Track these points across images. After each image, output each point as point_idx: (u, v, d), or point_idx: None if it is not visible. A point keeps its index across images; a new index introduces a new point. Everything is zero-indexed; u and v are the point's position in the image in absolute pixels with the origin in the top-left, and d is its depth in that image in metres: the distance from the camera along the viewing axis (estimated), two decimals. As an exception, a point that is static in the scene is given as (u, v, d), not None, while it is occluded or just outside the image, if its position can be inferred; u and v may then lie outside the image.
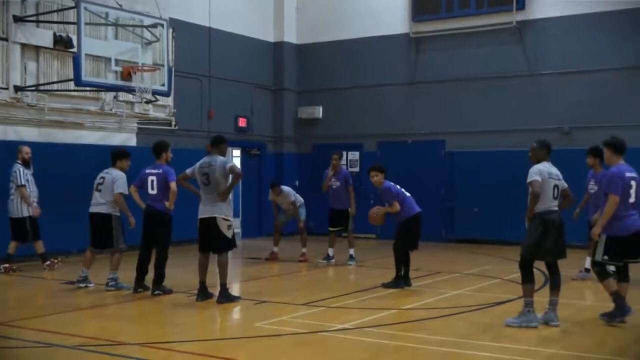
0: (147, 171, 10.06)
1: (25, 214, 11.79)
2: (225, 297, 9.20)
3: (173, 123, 15.71)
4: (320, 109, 19.03)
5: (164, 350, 6.73)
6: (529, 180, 7.74)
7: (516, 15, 16.36)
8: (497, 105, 16.60)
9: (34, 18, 13.00)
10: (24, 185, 11.68)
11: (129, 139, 14.97)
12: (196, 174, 9.31)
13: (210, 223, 9.18)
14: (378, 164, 11.49)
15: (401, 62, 18.04)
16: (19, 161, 11.80)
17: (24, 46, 12.90)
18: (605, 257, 7.81)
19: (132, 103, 14.78)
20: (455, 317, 8.28)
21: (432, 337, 7.22)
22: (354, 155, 18.53)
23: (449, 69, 17.21)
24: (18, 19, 12.69)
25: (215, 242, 9.24)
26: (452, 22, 17.26)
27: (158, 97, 13.93)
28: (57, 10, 13.09)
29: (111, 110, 14.49)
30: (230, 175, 9.22)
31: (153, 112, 15.29)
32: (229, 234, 9.25)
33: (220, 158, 9.30)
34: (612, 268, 8.17)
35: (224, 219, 9.21)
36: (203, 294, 9.33)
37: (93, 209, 10.34)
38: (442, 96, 17.31)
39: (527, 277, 7.79)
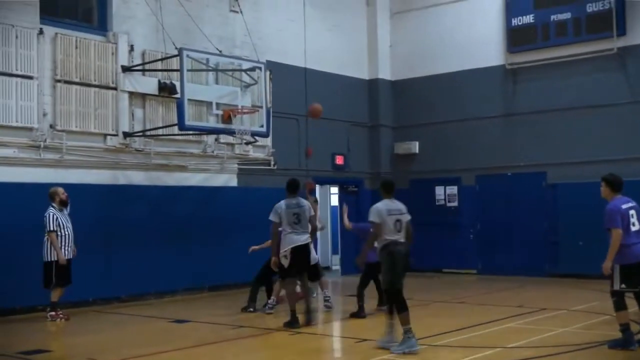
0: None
1: (54, 258, 11.23)
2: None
3: (272, 163, 16.05)
4: (417, 144, 18.99)
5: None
6: (369, 219, 8.58)
7: (617, 41, 15.91)
8: (599, 135, 16.11)
9: (140, 67, 13.68)
10: (54, 231, 11.18)
11: (230, 180, 15.40)
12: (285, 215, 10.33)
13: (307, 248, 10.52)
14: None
15: (498, 94, 17.84)
16: (54, 204, 11.33)
17: (131, 94, 13.57)
18: (623, 286, 8.23)
19: (232, 145, 15.24)
20: (563, 357, 8.02)
21: (540, 378, 7.03)
22: (452, 189, 18.36)
23: (548, 99, 16.87)
24: (126, 69, 13.38)
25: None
26: (549, 52, 16.94)
27: (257, 137, 14.29)
28: (161, 59, 13.72)
29: (213, 152, 14.97)
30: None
31: (253, 153, 15.70)
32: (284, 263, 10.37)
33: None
34: None
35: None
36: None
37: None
38: (542, 127, 16.95)
39: (403, 306, 8.36)
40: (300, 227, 10.33)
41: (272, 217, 10.33)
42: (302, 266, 10.43)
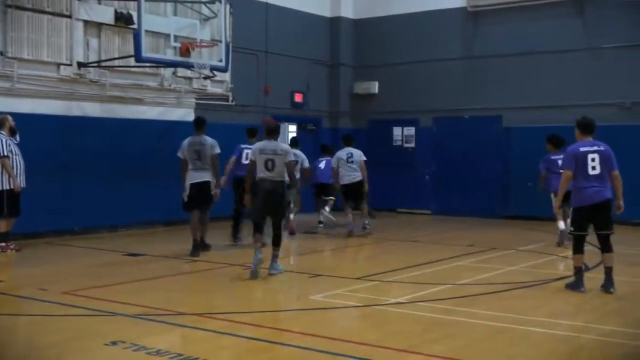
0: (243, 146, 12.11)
1: (5, 186, 10.91)
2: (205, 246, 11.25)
3: (230, 98, 15.89)
4: (376, 84, 18.97)
5: (221, 321, 6.90)
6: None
7: (577, -13, 16.01)
8: (555, 80, 16.29)
9: (96, -5, 13.30)
10: (7, 157, 10.88)
11: (187, 114, 15.20)
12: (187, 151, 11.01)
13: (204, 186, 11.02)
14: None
15: (458, 37, 17.85)
16: (2, 131, 10.99)
17: (86, 23, 13.21)
18: (572, 229, 8.44)
19: (190, 79, 15.03)
20: (510, 293, 8.27)
21: (486, 313, 7.23)
22: (410, 130, 18.47)
23: (507, 43, 16.94)
24: (81, -4, 12.99)
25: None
26: (511, -5, 16.97)
27: (216, 72, 14.09)
28: (118, -12, 13.34)
29: (170, 85, 14.74)
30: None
31: (211, 88, 15.50)
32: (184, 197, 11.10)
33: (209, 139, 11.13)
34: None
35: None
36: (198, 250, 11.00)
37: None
38: (500, 71, 17.06)
39: (257, 232, 9.22)
40: (200, 164, 10.96)
41: (179, 154, 11.10)
42: (200, 201, 11.04)
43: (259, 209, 9.37)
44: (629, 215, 9.30)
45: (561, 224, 11.57)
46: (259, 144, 9.46)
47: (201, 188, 11.01)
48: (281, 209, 9.56)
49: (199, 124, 11.34)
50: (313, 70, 18.63)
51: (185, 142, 11.13)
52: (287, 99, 17.90)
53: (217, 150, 11.10)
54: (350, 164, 13.35)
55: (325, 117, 19.16)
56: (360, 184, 13.29)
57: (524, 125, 16.53)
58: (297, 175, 12.91)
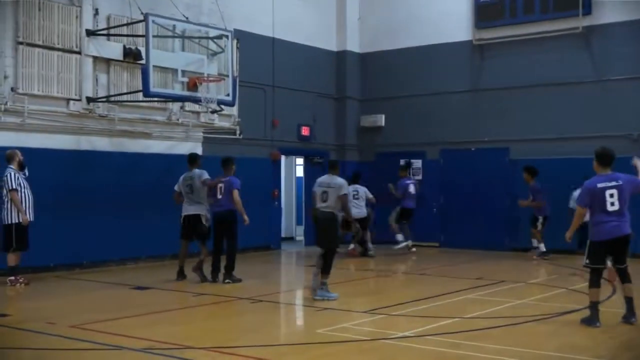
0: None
1: (14, 220, 11.07)
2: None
3: (238, 132, 16.00)
4: (383, 117, 19.05)
5: (228, 355, 6.89)
6: None
7: (582, 20, 16.08)
8: (562, 112, 16.33)
9: (105, 32, 13.48)
10: (16, 190, 11.01)
11: (195, 148, 15.23)
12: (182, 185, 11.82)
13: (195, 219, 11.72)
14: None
15: (464, 70, 17.94)
16: (11, 165, 11.13)
17: (95, 59, 13.39)
18: (587, 261, 8.27)
19: (198, 113, 15.15)
20: (519, 327, 8.21)
21: (494, 347, 7.18)
22: (417, 163, 18.49)
23: (513, 76, 17.02)
24: (90, 33, 13.18)
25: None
26: (516, 29, 17.07)
27: (223, 106, 14.21)
28: (127, 24, 13.54)
29: (178, 120, 14.87)
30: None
31: (218, 122, 15.62)
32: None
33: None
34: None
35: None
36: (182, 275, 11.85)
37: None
38: (506, 103, 17.12)
39: (319, 259, 9.95)
40: (193, 197, 11.69)
41: (175, 187, 11.95)
42: (191, 233, 11.76)
43: (317, 235, 10.33)
44: (636, 247, 9.28)
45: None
46: (320, 178, 10.37)
47: (192, 221, 11.71)
48: (328, 239, 10.04)
49: (191, 160, 12.02)
50: (320, 104, 18.74)
51: (181, 177, 11.92)
52: (294, 132, 17.99)
53: (205, 176, 11.65)
54: (356, 200, 15.33)
55: (332, 150, 19.22)
56: (367, 217, 15.58)
57: (531, 158, 16.52)
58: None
